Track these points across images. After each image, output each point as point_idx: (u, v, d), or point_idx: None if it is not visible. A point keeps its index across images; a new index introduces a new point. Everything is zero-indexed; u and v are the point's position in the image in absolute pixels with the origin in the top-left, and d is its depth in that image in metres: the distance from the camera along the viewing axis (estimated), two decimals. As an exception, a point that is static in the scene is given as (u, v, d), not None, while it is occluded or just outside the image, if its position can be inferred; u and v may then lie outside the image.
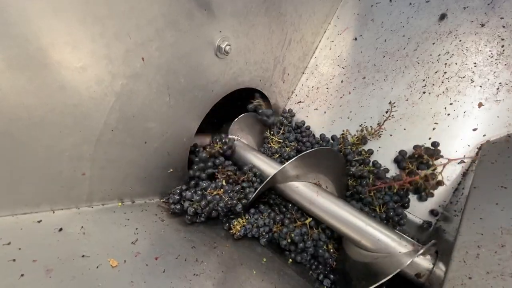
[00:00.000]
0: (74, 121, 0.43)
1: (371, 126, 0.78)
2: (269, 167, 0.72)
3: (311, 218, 0.65)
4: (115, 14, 0.41)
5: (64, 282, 0.36)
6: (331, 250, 0.64)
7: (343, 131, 0.84)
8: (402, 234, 0.55)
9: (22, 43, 0.35)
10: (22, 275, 0.34)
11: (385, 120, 0.76)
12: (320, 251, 0.63)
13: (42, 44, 0.36)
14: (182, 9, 0.50)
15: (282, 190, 0.67)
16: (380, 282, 0.46)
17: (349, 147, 0.79)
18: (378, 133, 0.77)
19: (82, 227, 0.46)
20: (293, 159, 0.62)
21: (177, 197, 0.61)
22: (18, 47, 0.34)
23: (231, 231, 0.62)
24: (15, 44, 0.34)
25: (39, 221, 0.43)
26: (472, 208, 0.47)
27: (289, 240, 0.63)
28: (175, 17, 0.49)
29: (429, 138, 0.69)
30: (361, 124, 0.81)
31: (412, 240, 0.54)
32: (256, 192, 0.63)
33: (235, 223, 0.63)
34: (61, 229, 0.43)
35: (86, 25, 0.39)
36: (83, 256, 0.40)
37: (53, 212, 0.46)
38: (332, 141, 0.85)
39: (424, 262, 0.50)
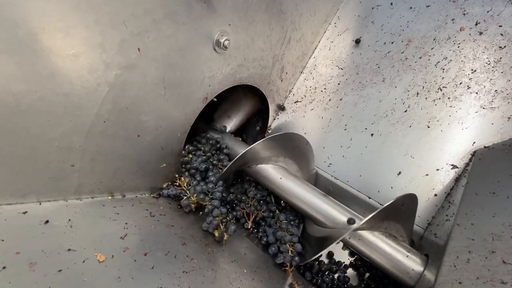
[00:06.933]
0: (64, 110, 0.42)
1: (366, 129, 0.78)
2: (240, 148, 0.74)
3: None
4: (111, 1, 0.39)
5: (48, 276, 0.34)
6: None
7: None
8: (354, 212, 0.60)
9: (11, 27, 0.33)
10: (4, 267, 0.33)
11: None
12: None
13: (33, 29, 0.35)
14: (181, 0, 0.48)
15: (253, 173, 0.70)
16: (326, 247, 0.55)
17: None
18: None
19: (69, 220, 0.44)
20: (262, 139, 0.63)
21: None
22: (6, 31, 0.33)
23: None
24: (4, 28, 0.33)
25: (24, 213, 0.42)
26: (464, 213, 0.48)
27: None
28: (173, 8, 0.48)
29: (425, 143, 0.70)
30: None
31: (360, 216, 0.59)
32: (226, 168, 0.64)
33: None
34: (47, 222, 0.42)
35: (80, 11, 0.37)
36: (69, 249, 0.39)
37: (40, 204, 0.44)
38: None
39: (415, 265, 0.51)
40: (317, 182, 0.83)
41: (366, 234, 0.56)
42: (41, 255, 0.37)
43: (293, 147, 0.70)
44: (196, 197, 0.61)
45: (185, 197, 0.62)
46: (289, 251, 0.60)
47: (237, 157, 0.61)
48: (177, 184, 0.66)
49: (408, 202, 0.56)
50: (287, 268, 0.59)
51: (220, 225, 0.58)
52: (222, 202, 0.64)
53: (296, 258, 0.60)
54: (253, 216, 0.68)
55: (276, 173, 0.68)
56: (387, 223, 0.56)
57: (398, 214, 0.56)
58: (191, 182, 0.66)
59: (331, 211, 0.60)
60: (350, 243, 0.57)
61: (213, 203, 0.60)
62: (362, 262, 0.68)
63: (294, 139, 0.69)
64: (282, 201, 0.72)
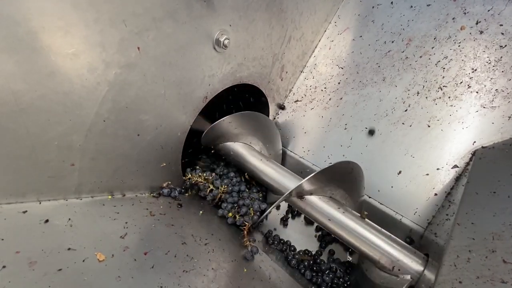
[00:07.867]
0: (64, 109, 0.42)
1: (366, 128, 0.78)
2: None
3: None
4: (111, 0, 0.39)
5: (48, 275, 0.34)
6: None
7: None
8: (300, 178, 0.65)
9: (11, 25, 0.33)
10: (3, 266, 0.33)
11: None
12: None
13: (32, 27, 0.35)
14: (181, -1, 0.48)
15: (222, 149, 0.77)
16: (275, 204, 0.61)
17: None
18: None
19: (69, 219, 0.44)
20: (229, 115, 0.69)
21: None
22: (6, 29, 0.33)
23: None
24: (3, 26, 0.33)
25: (24, 212, 0.42)
26: (464, 213, 0.48)
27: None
28: (173, 7, 0.48)
29: (425, 142, 0.70)
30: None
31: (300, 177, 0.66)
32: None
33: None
34: (47, 221, 0.42)
35: (79, 9, 0.37)
36: (69, 249, 0.39)
37: (40, 203, 0.44)
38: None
39: (415, 265, 0.51)
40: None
41: (364, 232, 0.56)
42: (41, 254, 0.37)
43: (260, 128, 0.79)
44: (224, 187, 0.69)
45: (208, 189, 0.69)
46: (252, 213, 0.66)
47: (206, 130, 0.69)
48: (189, 178, 0.70)
49: (349, 169, 0.61)
50: (244, 227, 0.65)
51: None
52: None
53: (255, 217, 0.66)
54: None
55: (241, 149, 0.76)
56: (333, 188, 0.61)
57: (342, 180, 0.61)
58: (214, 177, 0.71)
59: (285, 181, 0.68)
60: (346, 239, 0.57)
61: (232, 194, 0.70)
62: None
63: (260, 120, 0.78)
64: (246, 174, 0.76)
